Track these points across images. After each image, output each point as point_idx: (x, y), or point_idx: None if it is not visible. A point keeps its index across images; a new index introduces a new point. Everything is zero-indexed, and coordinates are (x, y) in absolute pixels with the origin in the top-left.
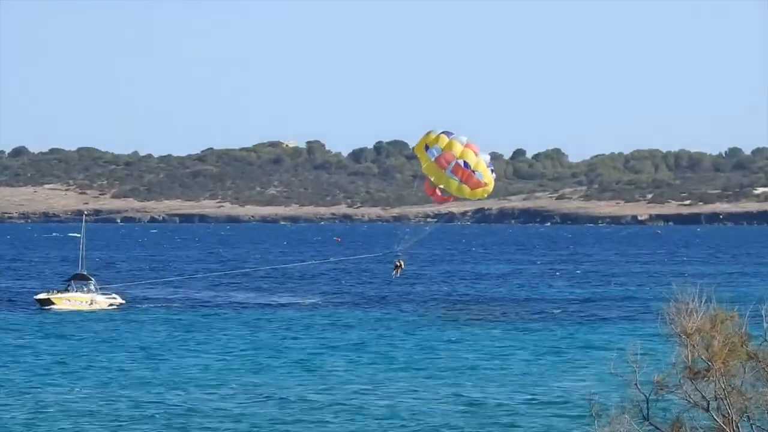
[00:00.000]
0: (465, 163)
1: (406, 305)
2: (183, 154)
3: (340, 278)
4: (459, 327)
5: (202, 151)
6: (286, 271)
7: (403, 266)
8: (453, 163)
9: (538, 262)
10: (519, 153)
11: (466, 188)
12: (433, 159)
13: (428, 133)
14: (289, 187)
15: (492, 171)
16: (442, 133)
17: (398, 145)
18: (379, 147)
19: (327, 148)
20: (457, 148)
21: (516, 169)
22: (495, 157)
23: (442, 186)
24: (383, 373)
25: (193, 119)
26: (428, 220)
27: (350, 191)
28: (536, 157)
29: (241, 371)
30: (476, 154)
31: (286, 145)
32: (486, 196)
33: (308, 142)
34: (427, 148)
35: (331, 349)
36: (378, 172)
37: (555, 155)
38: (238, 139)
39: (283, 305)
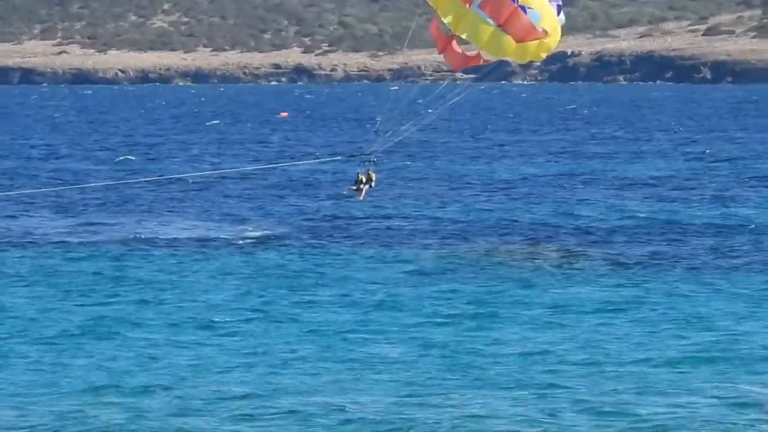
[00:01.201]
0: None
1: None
2: None
3: (282, 195)
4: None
5: None
6: (181, 181)
7: (373, 180)
8: None
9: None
10: None
11: (507, 40)
12: None
13: None
14: (191, 15)
15: (559, 8)
16: None
17: None
18: None
19: None
20: None
21: None
22: None
23: (463, 35)
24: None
25: None
26: (457, 76)
27: (309, 22)
28: None
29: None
30: None
31: None
32: (544, 55)
33: None
34: None
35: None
36: None
37: None
38: None
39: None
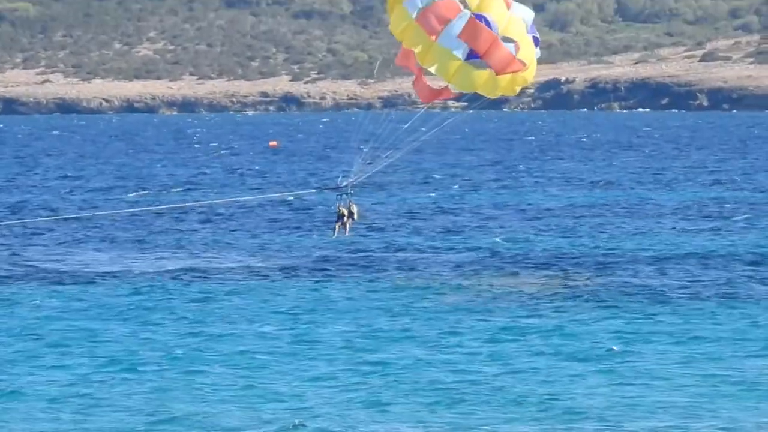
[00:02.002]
0: (484, 19)
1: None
2: None
3: (276, 221)
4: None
5: None
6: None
7: (355, 213)
8: (457, 22)
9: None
10: None
11: (476, 74)
12: (413, 12)
13: None
14: (177, 43)
15: (536, 41)
16: None
17: None
18: None
19: None
20: None
21: (621, 2)
22: None
23: (430, 68)
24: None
25: None
26: (450, 104)
27: (298, 49)
28: None
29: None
30: (507, 5)
31: None
32: (518, 89)
33: None
34: None
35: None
36: (353, 11)
37: None
38: None
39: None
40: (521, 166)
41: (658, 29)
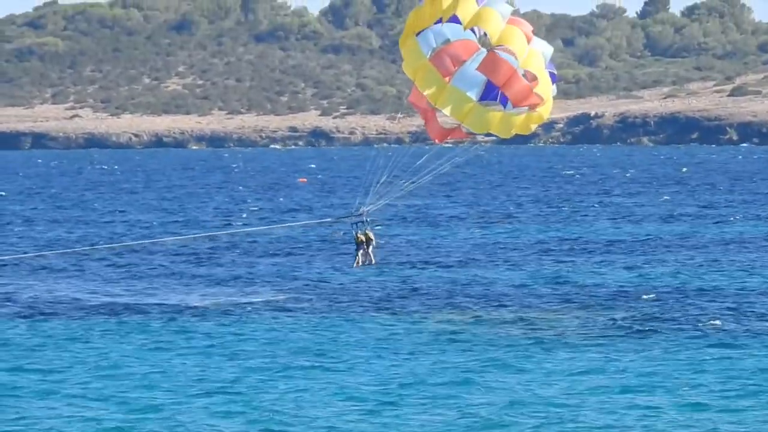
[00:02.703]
0: (505, 51)
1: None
2: None
3: (304, 254)
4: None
5: (36, 9)
6: (196, 244)
7: (373, 240)
8: (471, 63)
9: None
10: (656, 4)
11: (489, 115)
12: (427, 51)
13: (421, 5)
14: (206, 78)
15: (553, 77)
16: None
17: None
18: None
19: None
20: (493, 20)
21: (650, 36)
22: (611, 14)
23: (444, 109)
24: None
25: None
26: (478, 138)
27: (327, 84)
28: (689, 12)
29: None
30: (528, 39)
31: None
32: (534, 127)
33: None
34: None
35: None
36: (382, 46)
37: (725, 6)
38: None
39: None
40: (571, 200)
41: (687, 64)
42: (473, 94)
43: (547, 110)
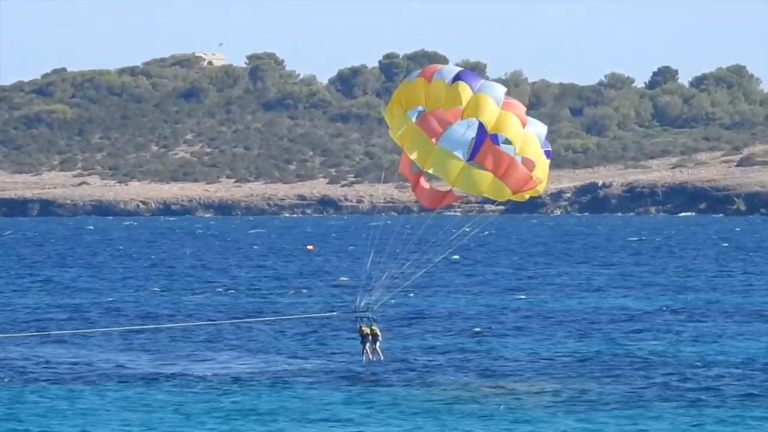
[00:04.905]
0: (501, 139)
1: None
2: (6, 82)
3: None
4: None
5: (44, 76)
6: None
7: (379, 336)
8: (457, 126)
9: None
10: (665, 75)
11: (480, 175)
12: (412, 116)
13: (411, 81)
14: (214, 146)
15: (548, 154)
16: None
17: (426, 59)
18: (388, 64)
19: (288, 68)
20: (488, 108)
21: (659, 106)
22: (620, 84)
23: (431, 170)
24: None
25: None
26: (487, 207)
27: (335, 152)
28: (698, 83)
29: None
30: (523, 123)
31: (210, 62)
32: (527, 196)
33: (252, 57)
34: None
35: None
36: None
37: (733, 77)
38: (113, 56)
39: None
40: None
41: (695, 134)
42: (461, 154)
43: (542, 185)
